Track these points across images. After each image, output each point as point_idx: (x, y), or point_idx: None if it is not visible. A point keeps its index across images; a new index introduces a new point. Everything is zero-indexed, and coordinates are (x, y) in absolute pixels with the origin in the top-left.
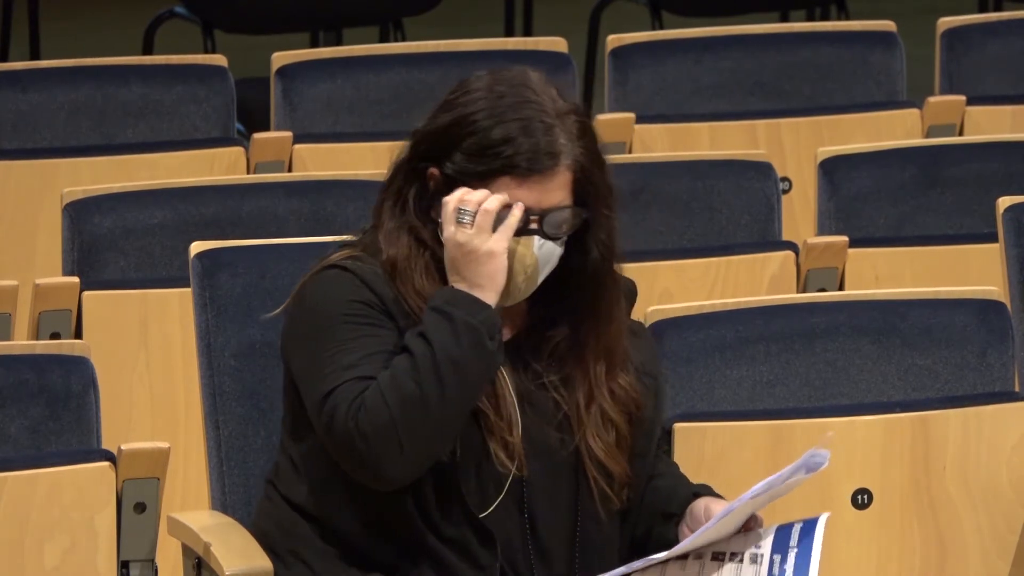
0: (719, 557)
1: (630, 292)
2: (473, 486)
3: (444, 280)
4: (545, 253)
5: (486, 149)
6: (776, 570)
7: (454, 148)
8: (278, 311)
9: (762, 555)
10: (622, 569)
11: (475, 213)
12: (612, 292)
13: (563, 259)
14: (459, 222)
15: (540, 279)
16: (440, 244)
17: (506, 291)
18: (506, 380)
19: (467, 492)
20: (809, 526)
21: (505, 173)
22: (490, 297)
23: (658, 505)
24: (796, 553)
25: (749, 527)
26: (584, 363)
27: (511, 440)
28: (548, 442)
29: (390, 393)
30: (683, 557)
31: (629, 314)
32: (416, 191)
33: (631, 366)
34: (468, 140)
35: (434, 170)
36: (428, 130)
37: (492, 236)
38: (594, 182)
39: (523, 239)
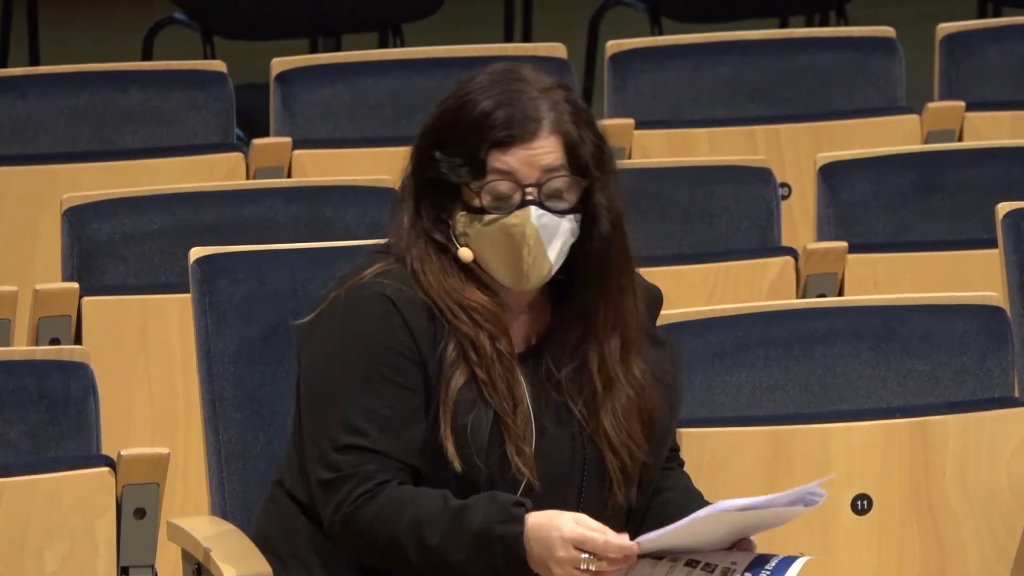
0: (692, 564)
1: (654, 298)
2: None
3: (463, 276)
4: (548, 225)
5: (470, 130)
6: None
7: (447, 142)
8: (310, 318)
9: (734, 571)
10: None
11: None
12: (620, 262)
13: (579, 247)
14: (581, 568)
15: (551, 255)
16: (452, 243)
17: (518, 271)
18: (524, 391)
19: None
20: (787, 561)
21: (489, 146)
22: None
23: (669, 517)
24: None
25: (741, 548)
26: (597, 339)
27: (526, 449)
28: (560, 452)
29: (392, 525)
30: (657, 557)
31: (654, 320)
32: (425, 195)
33: (644, 356)
34: (455, 129)
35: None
36: (422, 132)
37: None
38: (586, 147)
39: (518, 212)
